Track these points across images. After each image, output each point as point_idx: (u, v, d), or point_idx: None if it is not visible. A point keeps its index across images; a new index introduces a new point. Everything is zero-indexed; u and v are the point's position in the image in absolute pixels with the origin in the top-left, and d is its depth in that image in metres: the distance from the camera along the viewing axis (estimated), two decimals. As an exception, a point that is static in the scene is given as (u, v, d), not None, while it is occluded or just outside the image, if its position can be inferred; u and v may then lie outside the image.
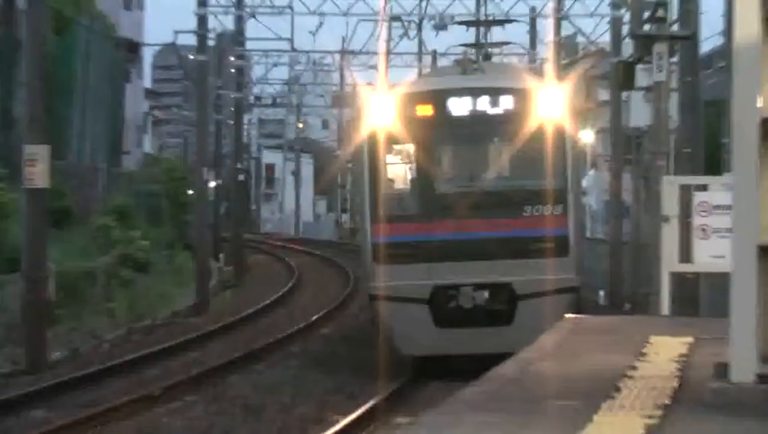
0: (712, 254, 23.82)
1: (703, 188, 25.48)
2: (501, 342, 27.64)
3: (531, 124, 29.21)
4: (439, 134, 30.78)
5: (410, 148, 30.53)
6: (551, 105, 28.87)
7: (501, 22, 65.03)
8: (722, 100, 34.56)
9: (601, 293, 50.79)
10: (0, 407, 28.08)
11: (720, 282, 27.17)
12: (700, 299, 34.72)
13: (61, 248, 46.83)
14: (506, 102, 29.66)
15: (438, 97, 29.95)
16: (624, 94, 51.17)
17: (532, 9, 62.76)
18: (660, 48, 35.92)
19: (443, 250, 29.01)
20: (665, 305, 25.32)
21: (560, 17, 62.79)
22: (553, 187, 29.42)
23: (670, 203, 25.01)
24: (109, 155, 74.23)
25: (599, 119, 65.82)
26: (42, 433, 25.14)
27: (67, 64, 60.58)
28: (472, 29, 68.25)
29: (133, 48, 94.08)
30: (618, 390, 13.56)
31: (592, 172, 68.04)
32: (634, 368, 15.56)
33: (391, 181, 30.87)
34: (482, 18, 61.32)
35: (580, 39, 67.81)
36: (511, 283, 28.47)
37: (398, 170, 31.42)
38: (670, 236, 24.81)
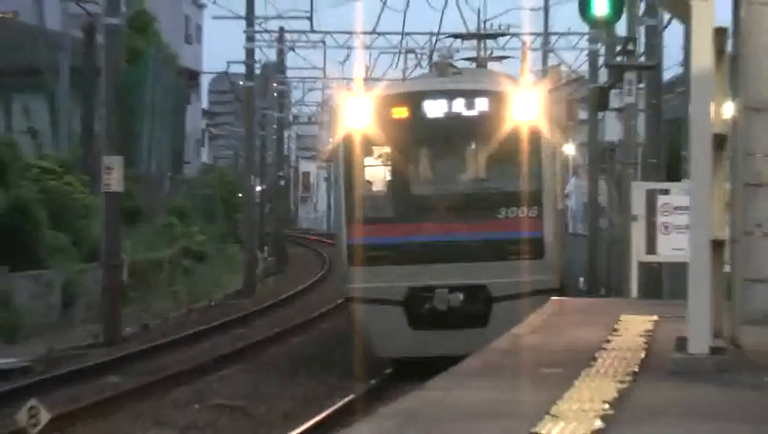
0: (672, 247, 24.41)
1: (666, 192, 25.80)
2: (476, 344, 22.57)
3: (506, 126, 25.44)
4: (413, 136, 26.61)
5: (385, 150, 26.68)
6: (526, 108, 25.12)
7: (498, 58, 64.02)
8: (682, 118, 33.90)
9: (581, 279, 50.54)
10: (81, 373, 28.90)
11: (679, 271, 24.16)
12: (663, 284, 34.50)
13: (133, 241, 47.50)
14: (482, 104, 25.76)
15: (413, 100, 26.02)
16: (600, 114, 51.02)
17: (523, 44, 63.05)
18: (630, 76, 37.45)
19: (418, 252, 25.21)
20: (634, 289, 25.94)
21: (547, 50, 65.28)
22: (527, 189, 25.52)
23: (638, 205, 25.54)
24: (173, 164, 74.90)
25: (580, 135, 66.15)
26: (115, 395, 25.61)
27: (138, 89, 61.06)
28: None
29: (192, 76, 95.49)
30: (595, 359, 13.52)
31: (573, 179, 66.64)
32: (608, 341, 15.51)
33: (366, 183, 26.88)
34: (482, 55, 60.39)
35: (563, 68, 68.15)
36: (486, 285, 24.84)
37: (373, 173, 27.24)
38: (638, 232, 25.44)
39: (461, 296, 24.17)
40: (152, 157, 66.47)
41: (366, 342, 25.11)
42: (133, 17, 64.00)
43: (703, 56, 13.12)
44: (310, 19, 65.78)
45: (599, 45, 49.69)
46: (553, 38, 63.88)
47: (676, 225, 23.29)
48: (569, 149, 58.38)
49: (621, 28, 35.48)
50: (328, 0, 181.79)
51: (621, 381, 11.74)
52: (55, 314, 38.65)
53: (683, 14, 14.62)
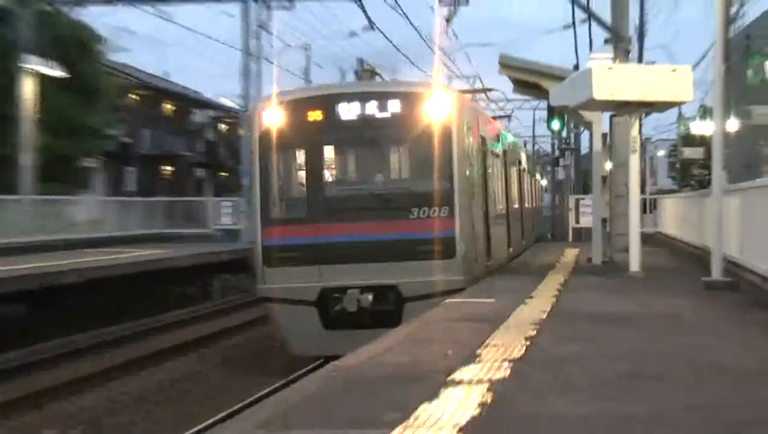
0: (586, 221, 39.08)
1: (582, 198, 42.49)
2: None
3: (417, 127, 22.64)
4: (326, 138, 23.77)
5: (299, 153, 24.06)
6: (438, 108, 22.45)
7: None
8: (588, 169, 48.99)
9: (549, 235, 63.64)
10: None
11: (588, 230, 35.85)
12: (581, 236, 42.19)
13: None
14: (393, 105, 22.84)
15: (326, 102, 23.19)
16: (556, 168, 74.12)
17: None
18: (567, 154, 61.56)
19: (331, 253, 22.47)
20: (569, 238, 43.88)
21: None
22: (439, 189, 22.44)
23: (572, 203, 44.24)
24: None
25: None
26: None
27: None
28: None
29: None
30: (554, 267, 25.29)
31: (547, 194, 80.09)
32: (558, 261, 27.54)
33: (280, 186, 24.22)
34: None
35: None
36: (397, 285, 22.12)
37: (287, 175, 24.67)
38: (572, 215, 43.76)
39: (372, 296, 21.87)
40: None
41: (282, 341, 23.72)
42: None
43: (597, 143, 26.35)
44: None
45: (554, 139, 75.81)
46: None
47: (587, 212, 38.77)
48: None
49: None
50: None
51: (565, 275, 22.83)
52: None
53: (588, 126, 28.44)
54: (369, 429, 7.49)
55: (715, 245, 18.25)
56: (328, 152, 24.18)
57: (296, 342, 22.84)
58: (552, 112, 33.10)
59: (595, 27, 30.05)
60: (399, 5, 30.51)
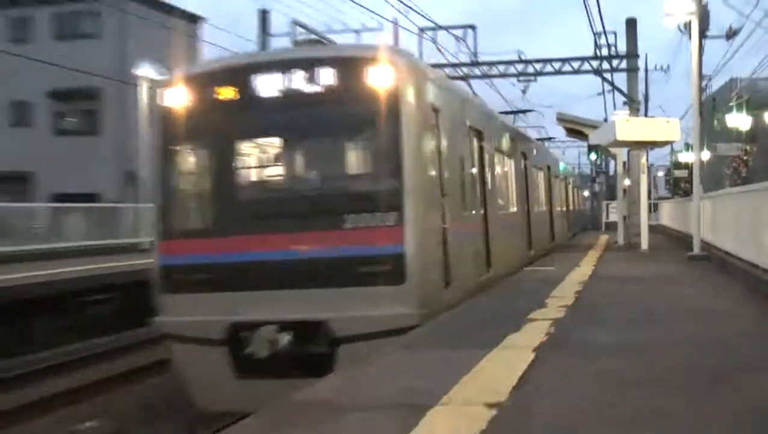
0: (613, 217, 35.75)
1: (610, 203, 38.82)
2: None
3: (356, 105, 10.81)
4: (240, 122, 11.68)
5: (206, 142, 11.88)
6: (381, 79, 10.57)
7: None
8: (614, 185, 47.87)
9: (589, 226, 51.81)
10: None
11: (614, 223, 29.14)
12: (610, 227, 36.67)
13: None
14: (325, 77, 10.92)
15: (238, 76, 11.51)
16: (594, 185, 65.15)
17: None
18: (600, 175, 54.72)
19: (243, 275, 10.88)
20: (603, 228, 35.99)
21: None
22: (383, 188, 10.62)
23: (604, 206, 40.59)
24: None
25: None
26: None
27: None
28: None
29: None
30: (593, 246, 24.84)
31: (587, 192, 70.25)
32: (595, 243, 26.95)
33: (183, 186, 12.29)
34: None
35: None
36: (326, 321, 10.33)
37: (193, 172, 12.42)
38: (603, 213, 39.96)
39: (291, 336, 10.49)
40: None
41: (186, 392, 11.59)
42: None
43: (620, 168, 26.05)
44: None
45: (592, 166, 62.73)
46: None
47: (613, 212, 37.97)
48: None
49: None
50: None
51: (601, 252, 22.57)
52: None
53: (614, 157, 28.49)
54: (476, 349, 7.21)
55: (695, 231, 18.26)
56: (240, 140, 11.94)
57: (203, 393, 11.29)
58: (590, 148, 32.98)
59: (617, 94, 29.99)
60: (493, 84, 29.77)
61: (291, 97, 10.74)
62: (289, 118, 11.13)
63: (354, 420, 5.17)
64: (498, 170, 16.30)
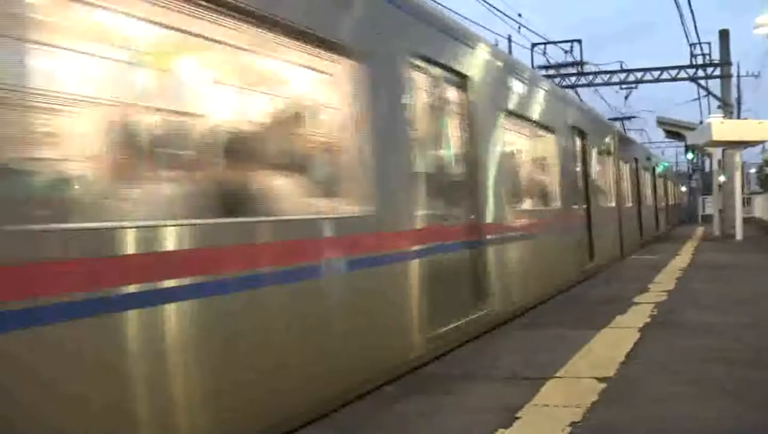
0: (708, 210, 33.18)
1: (707, 197, 36.72)
2: None
3: None
4: None
5: None
6: None
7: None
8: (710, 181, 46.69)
9: (687, 219, 52.66)
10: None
11: (710, 216, 25.76)
12: (706, 220, 34.05)
13: None
14: None
15: None
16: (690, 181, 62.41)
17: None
18: (697, 172, 49.60)
19: None
20: (699, 221, 35.36)
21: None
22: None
23: (700, 201, 37.99)
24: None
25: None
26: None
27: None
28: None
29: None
30: (690, 237, 24.13)
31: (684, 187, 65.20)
32: (693, 234, 25.93)
33: None
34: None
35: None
36: None
37: None
38: (700, 207, 37.48)
39: None
40: None
41: None
42: None
43: (715, 165, 24.82)
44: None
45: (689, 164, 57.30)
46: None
47: (708, 205, 35.64)
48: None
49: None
50: None
51: (697, 242, 21.95)
52: None
53: (710, 156, 27.54)
54: (587, 330, 7.19)
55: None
56: None
57: None
58: (688, 148, 32.12)
59: (712, 99, 29.12)
60: (597, 91, 29.44)
61: None
62: None
63: (479, 388, 5.28)
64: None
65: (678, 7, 20.34)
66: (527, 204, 9.53)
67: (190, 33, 4.05)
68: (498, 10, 22.38)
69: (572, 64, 27.01)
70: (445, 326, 6.32)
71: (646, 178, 23.10)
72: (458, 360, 6.25)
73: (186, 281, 3.57)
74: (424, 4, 6.79)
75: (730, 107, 25.33)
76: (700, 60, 26.23)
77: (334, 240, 4.79)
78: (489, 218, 7.60)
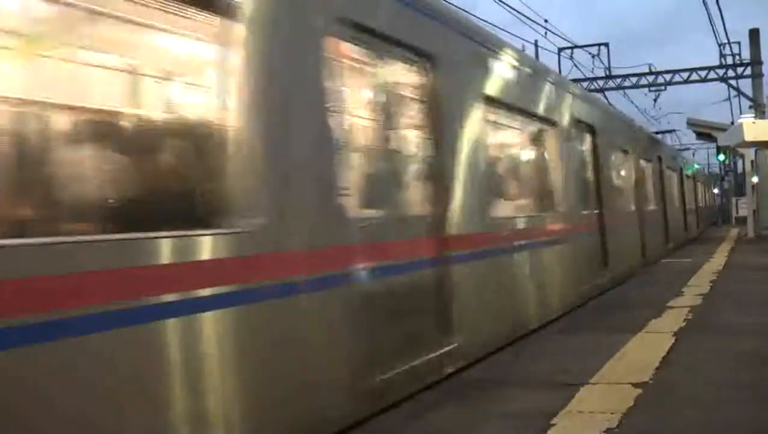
0: (742, 212, 32.64)
1: (739, 199, 36.65)
2: None
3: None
4: None
5: None
6: None
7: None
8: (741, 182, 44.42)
9: (720, 220, 45.48)
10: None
11: (743, 217, 26.74)
12: (739, 221, 34.26)
13: None
14: None
15: None
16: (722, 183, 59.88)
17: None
18: (729, 173, 47.84)
19: None
20: (732, 222, 34.67)
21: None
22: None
23: (733, 202, 37.30)
24: None
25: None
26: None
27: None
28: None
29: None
30: (724, 239, 23.86)
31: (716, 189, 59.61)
32: (726, 235, 25.70)
33: None
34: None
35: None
36: None
37: None
38: (733, 209, 36.86)
39: None
40: None
41: None
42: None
43: (748, 166, 25.19)
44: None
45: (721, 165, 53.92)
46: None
47: (741, 207, 34.89)
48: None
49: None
50: None
51: (732, 244, 21.62)
52: None
53: (742, 156, 27.31)
54: (621, 334, 7.12)
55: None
56: None
57: None
58: (719, 149, 31.74)
59: (743, 99, 28.73)
60: (627, 95, 29.16)
61: None
62: None
63: (514, 394, 5.27)
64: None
65: (705, 5, 19.85)
66: (514, 209, 7.92)
67: None
68: (525, 16, 22.24)
69: (599, 78, 26.70)
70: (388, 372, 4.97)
71: (673, 179, 21.77)
72: (494, 366, 6.21)
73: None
74: None
75: (761, 107, 24.98)
76: (729, 60, 25.99)
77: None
78: (455, 228, 6.09)
